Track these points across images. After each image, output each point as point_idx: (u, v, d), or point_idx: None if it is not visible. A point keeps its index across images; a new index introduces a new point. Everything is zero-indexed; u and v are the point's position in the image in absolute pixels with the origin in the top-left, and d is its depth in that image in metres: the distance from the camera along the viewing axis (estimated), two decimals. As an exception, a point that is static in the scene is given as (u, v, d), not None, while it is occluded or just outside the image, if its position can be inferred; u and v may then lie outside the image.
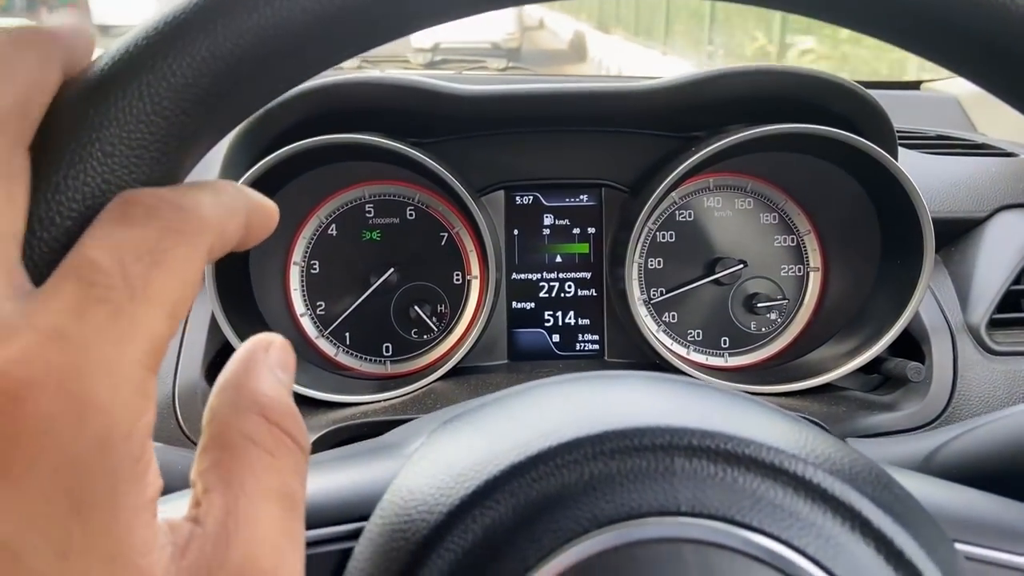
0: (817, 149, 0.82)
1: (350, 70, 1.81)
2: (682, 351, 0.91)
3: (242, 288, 0.85)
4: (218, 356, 0.80)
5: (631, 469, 0.28)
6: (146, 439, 0.22)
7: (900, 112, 1.19)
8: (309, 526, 0.23)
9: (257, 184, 0.76)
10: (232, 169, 0.79)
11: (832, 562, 0.26)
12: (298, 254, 0.89)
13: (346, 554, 0.27)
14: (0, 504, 0.20)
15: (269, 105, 0.78)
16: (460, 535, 0.27)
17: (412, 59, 2.14)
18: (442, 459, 0.31)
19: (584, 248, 0.92)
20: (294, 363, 0.28)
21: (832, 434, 0.60)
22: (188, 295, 0.24)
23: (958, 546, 0.31)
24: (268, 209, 0.29)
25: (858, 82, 0.78)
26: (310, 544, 0.22)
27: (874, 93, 0.78)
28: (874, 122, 0.78)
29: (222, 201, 0.27)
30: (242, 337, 0.76)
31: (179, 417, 0.74)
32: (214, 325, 0.79)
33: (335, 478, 0.33)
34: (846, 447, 0.30)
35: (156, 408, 0.23)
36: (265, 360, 0.27)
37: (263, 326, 0.86)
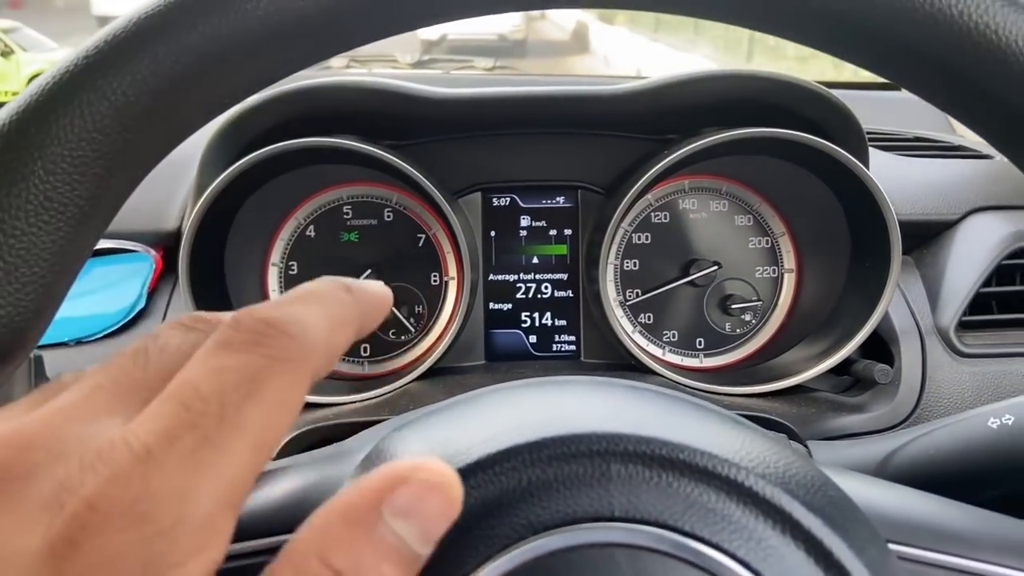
0: (788, 152, 0.82)
1: (337, 69, 1.81)
2: (657, 352, 0.91)
3: (218, 289, 0.85)
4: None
5: (567, 475, 0.28)
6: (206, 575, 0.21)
7: (880, 113, 1.20)
8: (235, 540, 0.23)
9: (234, 185, 0.76)
10: (209, 171, 0.79)
11: (762, 564, 0.27)
12: (276, 255, 0.90)
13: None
14: None
15: (244, 107, 0.78)
16: None
17: (400, 58, 2.14)
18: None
19: (561, 249, 0.92)
20: (437, 514, 0.23)
21: (790, 435, 0.60)
22: (283, 426, 0.23)
23: (892, 546, 0.31)
24: (382, 301, 0.29)
25: (842, 83, 0.79)
26: (229, 558, 0.22)
27: (855, 94, 0.79)
28: (843, 125, 0.79)
29: (332, 315, 0.26)
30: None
31: None
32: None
33: (281, 487, 0.34)
34: (784, 449, 0.31)
35: (225, 548, 0.22)
36: (385, 503, 0.23)
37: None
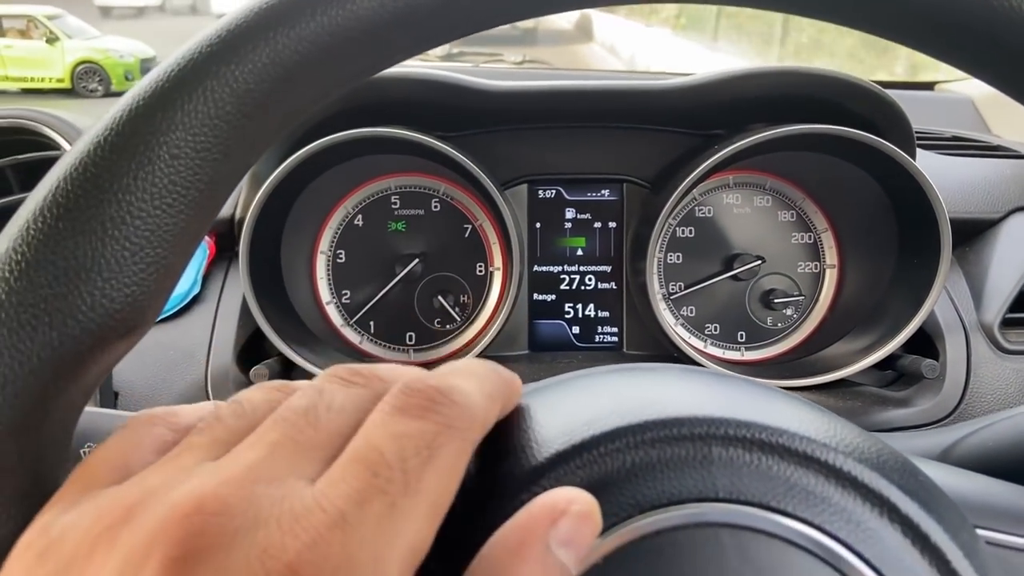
0: (836, 149, 0.83)
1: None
2: (699, 344, 0.92)
3: (273, 276, 0.87)
4: (249, 342, 0.82)
5: (670, 457, 0.29)
6: None
7: (914, 112, 1.20)
8: None
9: (291, 177, 0.77)
10: (264, 162, 0.81)
11: (862, 546, 0.27)
12: (325, 243, 0.91)
13: None
14: None
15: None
16: (507, 520, 0.28)
17: (429, 51, 2.15)
18: (487, 450, 0.32)
19: (605, 242, 0.93)
20: (588, 539, 0.25)
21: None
22: (452, 491, 0.25)
23: (979, 532, 0.32)
24: (516, 386, 0.31)
25: (877, 82, 0.79)
26: None
27: (897, 93, 0.79)
28: (893, 123, 0.79)
29: (486, 390, 0.28)
30: (272, 323, 0.78)
31: (210, 400, 0.76)
32: (245, 312, 0.81)
33: None
34: (873, 437, 0.31)
35: None
36: (550, 535, 0.25)
37: (292, 314, 0.88)
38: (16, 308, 0.26)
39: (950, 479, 0.35)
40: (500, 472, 0.29)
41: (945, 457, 0.50)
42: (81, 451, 0.35)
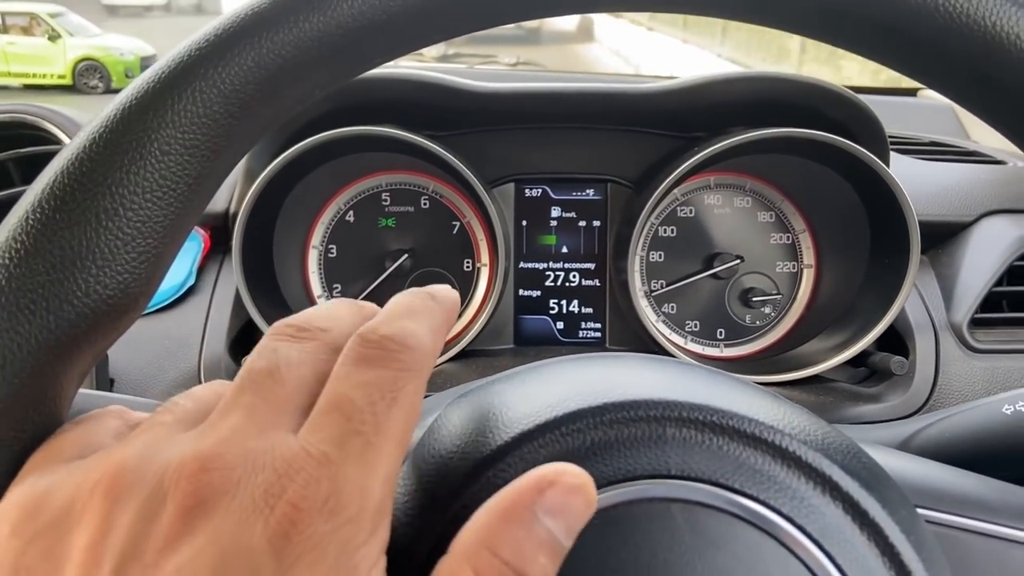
0: (812, 152, 0.84)
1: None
2: (680, 341, 0.94)
3: (265, 269, 0.88)
4: (241, 333, 0.83)
5: (627, 437, 0.30)
6: (382, 549, 0.25)
7: (896, 118, 1.22)
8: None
9: (284, 173, 0.79)
10: (258, 156, 0.82)
11: (805, 520, 0.29)
12: (317, 238, 0.92)
13: None
14: None
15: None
16: (475, 493, 0.30)
17: (425, 52, 2.16)
18: (457, 429, 0.33)
19: (589, 240, 0.95)
20: (579, 511, 0.27)
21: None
22: (413, 424, 0.28)
23: (920, 511, 0.34)
24: (456, 301, 0.34)
25: (859, 88, 0.81)
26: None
27: (872, 99, 0.81)
28: (867, 127, 0.81)
29: (433, 326, 0.31)
30: (264, 315, 0.79)
31: None
32: (238, 303, 0.82)
33: None
34: (820, 421, 0.33)
35: (389, 526, 0.26)
36: (537, 503, 0.26)
37: (284, 306, 0.89)
38: (16, 293, 0.28)
39: (896, 463, 0.37)
40: (468, 451, 0.31)
41: (904, 447, 0.52)
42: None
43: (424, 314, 0.31)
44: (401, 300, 0.32)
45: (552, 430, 0.31)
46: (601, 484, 0.29)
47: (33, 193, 0.30)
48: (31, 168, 0.92)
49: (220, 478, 0.24)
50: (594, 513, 0.29)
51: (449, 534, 0.27)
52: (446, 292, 0.33)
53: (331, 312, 0.32)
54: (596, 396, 0.32)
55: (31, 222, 0.29)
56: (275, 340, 0.30)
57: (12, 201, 0.91)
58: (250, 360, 0.29)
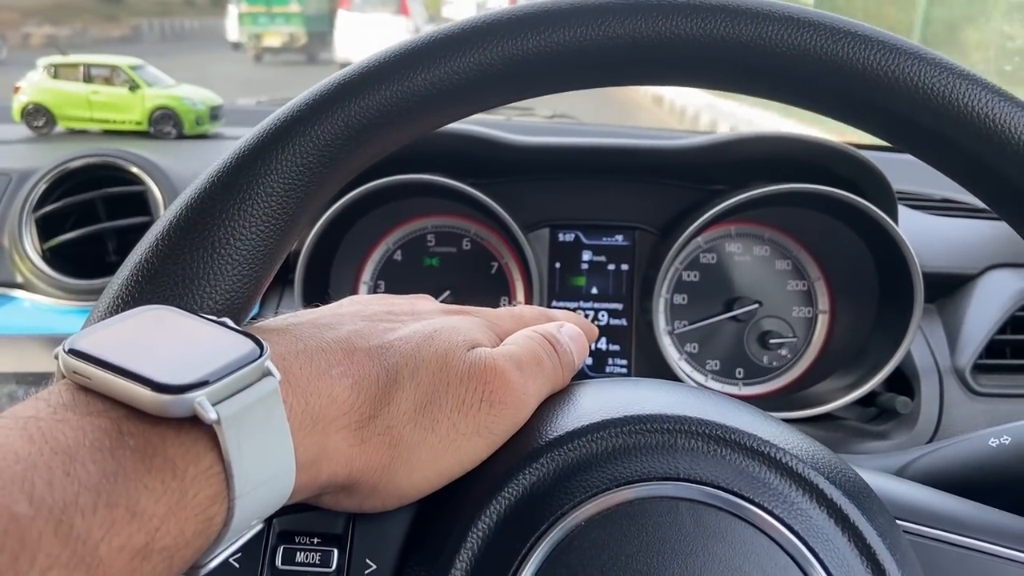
0: (824, 206, 0.88)
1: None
2: (700, 379, 0.97)
3: (322, 301, 0.93)
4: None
5: (644, 444, 0.35)
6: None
7: (912, 174, 1.25)
8: None
9: (342, 215, 0.85)
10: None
11: (793, 521, 0.33)
12: (367, 274, 0.98)
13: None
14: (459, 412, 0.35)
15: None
16: (513, 487, 0.34)
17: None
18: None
19: (618, 282, 0.99)
20: (583, 348, 0.43)
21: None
22: (544, 392, 0.39)
23: (899, 523, 0.37)
24: (592, 335, 0.46)
25: (878, 146, 0.85)
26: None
27: (889, 156, 0.85)
28: (874, 184, 0.85)
29: (579, 346, 0.43)
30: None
31: None
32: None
33: None
34: (812, 440, 0.37)
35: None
36: (560, 329, 0.42)
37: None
38: (148, 302, 0.33)
39: (879, 481, 0.41)
40: (508, 450, 0.36)
41: (900, 474, 0.55)
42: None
43: (576, 337, 0.43)
44: (560, 325, 0.43)
45: (580, 436, 0.35)
46: (621, 483, 0.34)
47: (162, 223, 0.35)
48: (116, 206, 1.00)
49: (457, 330, 0.38)
50: (615, 506, 0.33)
51: (479, 516, 0.33)
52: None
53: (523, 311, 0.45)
54: (619, 410, 0.36)
55: (160, 247, 0.34)
56: (504, 314, 0.44)
57: (100, 235, 0.99)
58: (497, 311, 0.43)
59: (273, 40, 14.23)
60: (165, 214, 0.36)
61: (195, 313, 0.31)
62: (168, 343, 0.28)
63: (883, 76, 0.35)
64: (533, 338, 0.40)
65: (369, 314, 0.38)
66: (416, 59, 0.36)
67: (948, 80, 0.35)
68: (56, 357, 0.28)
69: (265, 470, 0.28)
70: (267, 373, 0.28)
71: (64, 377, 0.28)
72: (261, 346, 0.29)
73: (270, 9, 14.11)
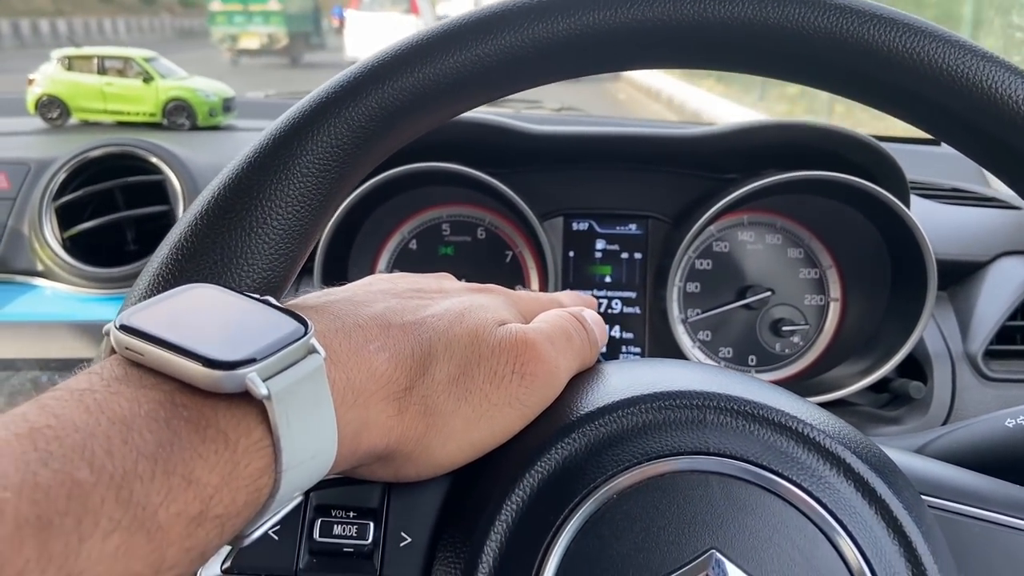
0: (837, 193, 0.89)
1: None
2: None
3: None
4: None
5: (675, 419, 0.35)
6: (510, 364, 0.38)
7: (921, 165, 1.26)
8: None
9: (360, 203, 0.85)
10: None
11: (821, 494, 0.33)
12: (383, 263, 0.99)
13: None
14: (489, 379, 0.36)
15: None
16: (546, 461, 0.35)
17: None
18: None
19: (631, 271, 1.00)
20: (603, 333, 0.44)
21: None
22: (574, 367, 0.40)
23: (923, 497, 0.38)
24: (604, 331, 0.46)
25: (889, 138, 0.85)
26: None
27: (899, 147, 0.85)
28: (887, 171, 0.85)
29: (601, 329, 0.44)
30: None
31: None
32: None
33: None
34: (837, 418, 0.38)
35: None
36: (585, 314, 0.43)
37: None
38: (188, 280, 0.34)
39: (902, 458, 0.41)
40: (540, 425, 0.36)
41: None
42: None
43: (597, 320, 0.44)
44: (582, 309, 0.44)
45: (611, 412, 0.36)
46: (652, 457, 0.34)
47: (200, 203, 0.36)
48: (135, 195, 1.00)
49: (484, 307, 0.39)
50: (647, 480, 0.34)
51: (513, 489, 0.34)
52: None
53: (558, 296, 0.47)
54: (648, 387, 0.37)
55: (199, 226, 0.35)
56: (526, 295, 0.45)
57: (119, 224, 1.00)
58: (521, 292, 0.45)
59: (250, 41, 12.88)
60: (202, 194, 0.36)
61: (238, 291, 0.32)
62: (216, 320, 0.29)
63: (910, 59, 0.35)
64: (563, 315, 0.41)
65: (400, 291, 0.39)
66: (448, 42, 0.37)
67: (973, 62, 0.35)
68: (107, 334, 0.28)
69: (311, 444, 0.28)
70: (312, 350, 0.29)
71: (114, 352, 0.28)
72: (305, 324, 0.30)
73: (247, 7, 12.74)
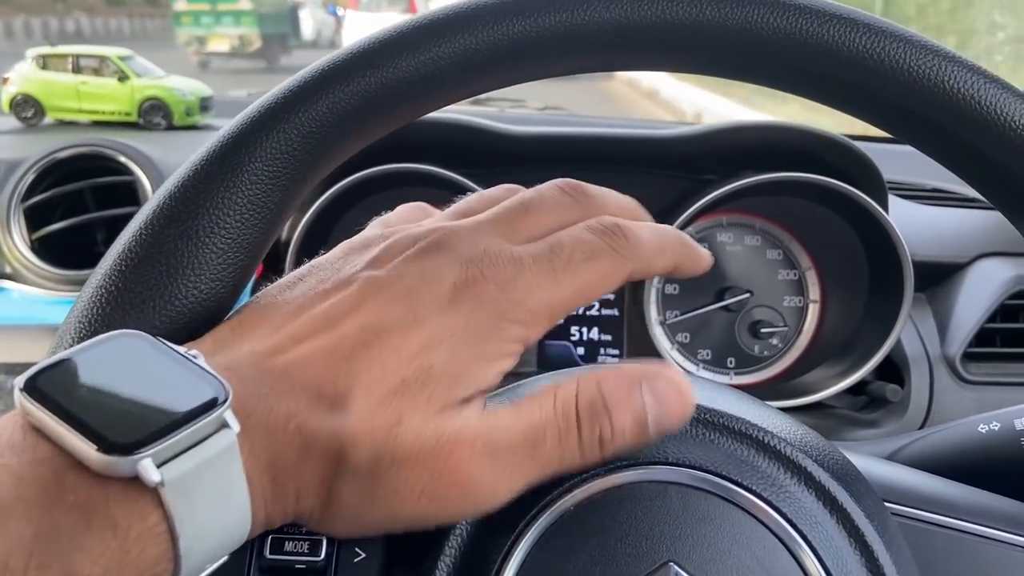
0: (815, 195, 0.88)
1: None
2: (692, 368, 0.97)
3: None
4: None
5: None
6: (517, 342, 0.32)
7: (903, 165, 1.26)
8: None
9: (332, 204, 0.84)
10: (310, 192, 0.88)
11: (782, 504, 0.33)
12: (358, 266, 0.97)
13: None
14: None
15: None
16: None
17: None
18: None
19: None
20: (675, 407, 0.31)
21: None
22: (589, 294, 0.33)
23: (888, 505, 0.38)
24: (700, 258, 0.37)
25: (873, 137, 0.85)
26: None
27: (882, 147, 0.85)
28: (864, 173, 0.85)
29: (658, 242, 0.35)
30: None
31: None
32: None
33: None
34: (800, 424, 0.37)
35: (533, 339, 0.32)
36: (644, 380, 0.31)
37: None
38: (130, 294, 0.33)
39: (867, 464, 0.41)
40: None
41: (891, 460, 0.55)
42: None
43: (664, 236, 0.36)
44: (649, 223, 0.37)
45: None
46: (609, 468, 0.34)
47: (145, 212, 0.35)
48: (105, 196, 0.99)
49: (448, 243, 0.33)
50: (604, 491, 0.33)
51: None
52: (699, 254, 0.38)
53: (611, 194, 0.38)
54: None
55: (144, 236, 0.34)
56: (553, 187, 0.37)
57: (89, 225, 0.98)
58: (525, 192, 0.37)
59: (219, 44, 11.91)
60: (148, 203, 0.35)
61: (167, 345, 0.30)
62: (128, 385, 0.27)
63: (873, 60, 0.35)
64: (566, 398, 0.32)
65: (316, 316, 0.33)
66: (402, 44, 0.36)
67: (938, 64, 0.35)
68: (15, 388, 0.27)
69: (219, 520, 0.27)
70: (224, 425, 0.27)
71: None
72: (224, 391, 0.27)
73: (215, 7, 11.80)
